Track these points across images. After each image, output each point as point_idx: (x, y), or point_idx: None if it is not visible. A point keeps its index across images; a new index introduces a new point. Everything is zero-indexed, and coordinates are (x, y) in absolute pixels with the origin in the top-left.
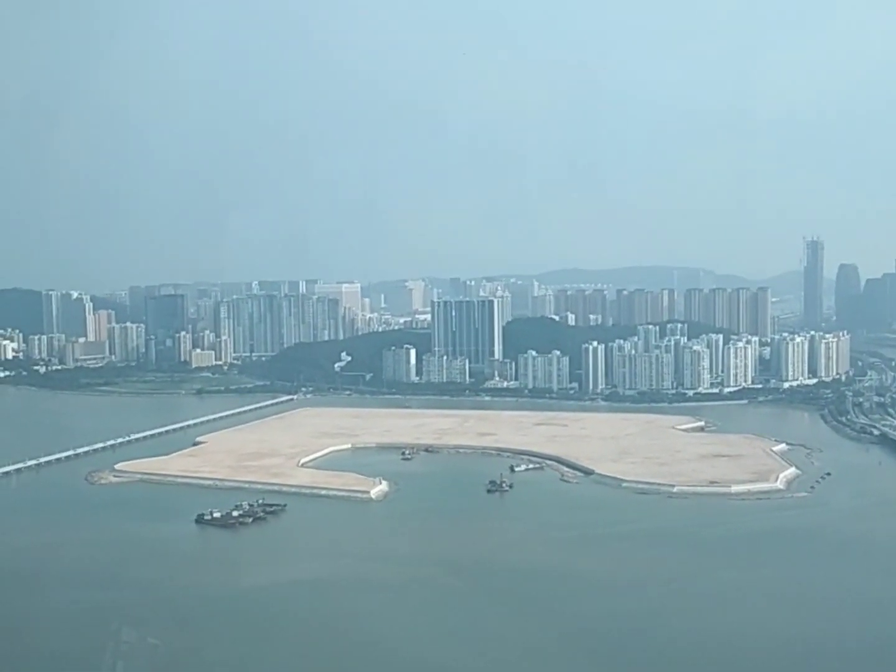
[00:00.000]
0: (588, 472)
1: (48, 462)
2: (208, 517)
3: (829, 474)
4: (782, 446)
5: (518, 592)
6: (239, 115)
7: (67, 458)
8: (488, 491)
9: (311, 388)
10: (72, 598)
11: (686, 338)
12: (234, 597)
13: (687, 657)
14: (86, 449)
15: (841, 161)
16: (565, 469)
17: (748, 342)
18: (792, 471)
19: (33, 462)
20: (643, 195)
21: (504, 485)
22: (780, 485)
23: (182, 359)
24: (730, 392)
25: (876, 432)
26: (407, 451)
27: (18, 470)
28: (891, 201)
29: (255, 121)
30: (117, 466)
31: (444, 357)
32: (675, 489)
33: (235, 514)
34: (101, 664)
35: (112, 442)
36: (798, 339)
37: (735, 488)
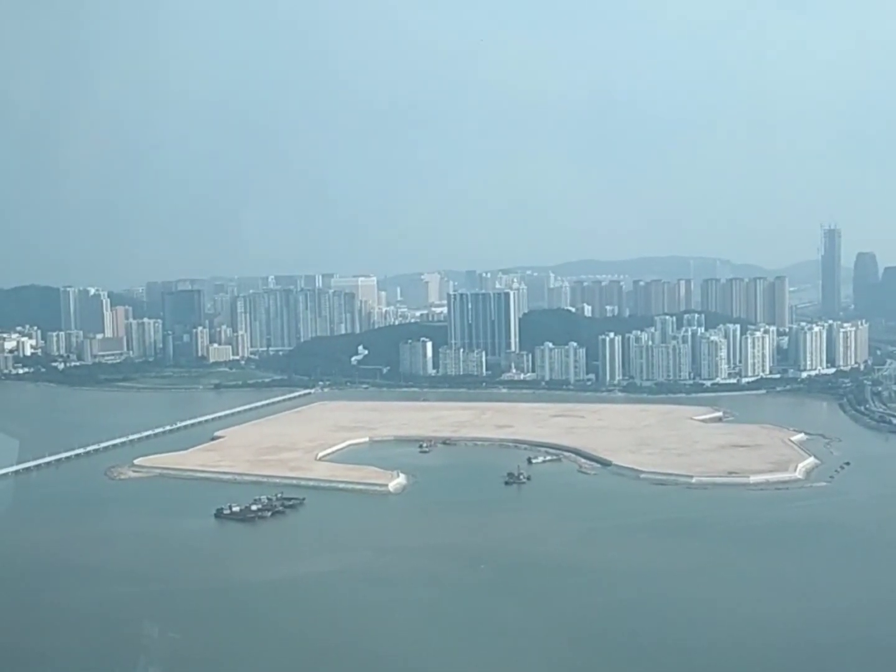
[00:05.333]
0: (606, 464)
1: (67, 458)
2: (227, 511)
3: (848, 464)
4: (801, 436)
5: (535, 585)
6: (254, 109)
7: (87, 453)
8: (506, 483)
9: (328, 382)
10: (92, 593)
11: (703, 328)
12: (254, 590)
13: (703, 647)
14: (105, 444)
15: (858, 149)
16: (583, 461)
17: (766, 332)
18: (811, 460)
19: (53, 458)
20: (659, 185)
21: (522, 477)
22: (798, 475)
23: (199, 354)
24: (748, 382)
25: (895, 421)
26: (424, 444)
27: (38, 466)
28: None
29: (270, 115)
30: (136, 461)
31: (461, 350)
32: (693, 480)
33: (254, 508)
34: (123, 658)
35: (131, 437)
36: (816, 329)
37: (754, 478)
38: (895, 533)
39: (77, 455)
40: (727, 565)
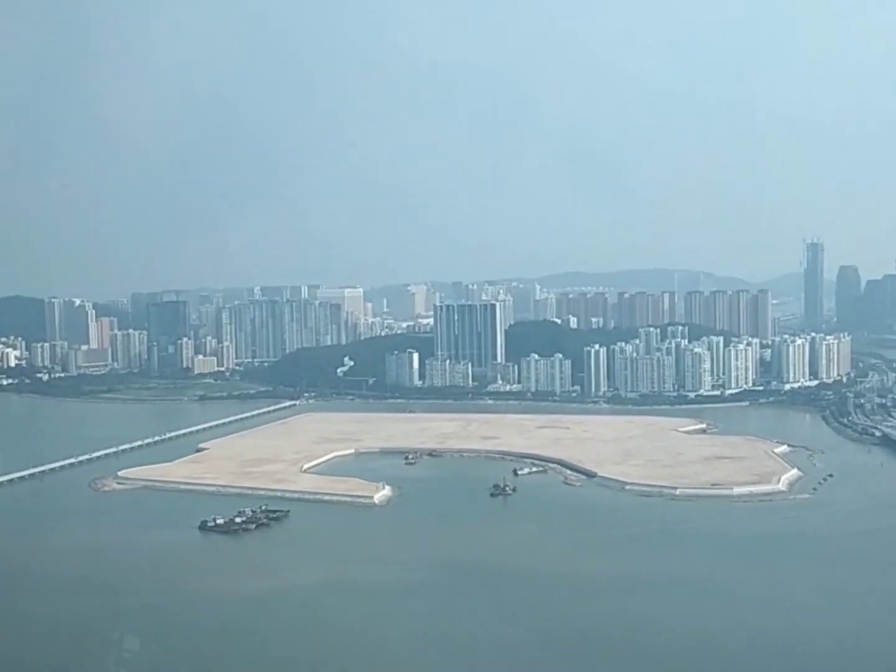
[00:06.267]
0: (591, 475)
1: (52, 469)
2: (211, 524)
3: (831, 476)
4: (784, 448)
5: (521, 596)
6: (238, 119)
7: (71, 465)
8: (492, 495)
9: (313, 394)
10: (74, 605)
11: (687, 340)
12: (237, 602)
13: (683, 657)
14: (89, 456)
15: (841, 162)
16: (568, 472)
17: (749, 344)
18: (794, 472)
19: (37, 470)
20: (643, 198)
21: (507, 488)
22: (782, 486)
23: (184, 365)
24: (731, 394)
25: (878, 433)
26: (410, 456)
27: (22, 478)
28: (890, 202)
29: (254, 125)
30: (121, 473)
31: (447, 361)
32: (677, 492)
33: (238, 520)
34: (102, 670)
35: (115, 449)
36: (799, 341)
37: (737, 490)
38: (878, 545)
39: (61, 467)
40: (710, 577)
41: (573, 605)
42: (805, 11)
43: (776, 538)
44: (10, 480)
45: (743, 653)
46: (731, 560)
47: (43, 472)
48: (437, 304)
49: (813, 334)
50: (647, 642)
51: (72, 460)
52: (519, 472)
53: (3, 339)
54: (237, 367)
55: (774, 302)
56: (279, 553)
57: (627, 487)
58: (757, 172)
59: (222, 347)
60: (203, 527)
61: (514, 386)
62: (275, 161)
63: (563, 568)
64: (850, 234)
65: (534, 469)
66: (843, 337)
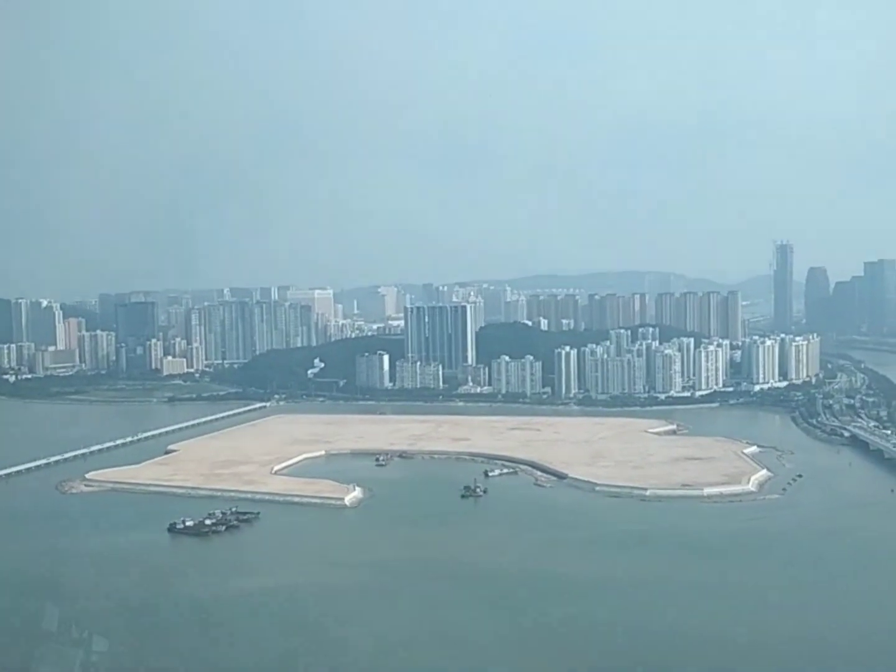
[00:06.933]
0: (562, 477)
1: (17, 472)
2: (181, 526)
3: (800, 476)
4: (754, 449)
5: (490, 596)
6: (208, 120)
7: (38, 467)
8: (462, 496)
9: (284, 395)
10: (39, 607)
11: (658, 342)
12: (207, 605)
13: (648, 655)
14: (56, 458)
15: (810, 164)
16: (539, 473)
17: (719, 345)
18: (763, 473)
19: (2, 472)
20: (614, 201)
21: (478, 490)
22: (751, 487)
23: (153, 366)
24: (701, 395)
25: (846, 434)
26: (381, 458)
27: None
28: (859, 204)
29: (224, 126)
30: (88, 475)
31: (418, 363)
32: (647, 492)
33: (208, 522)
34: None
35: (83, 451)
36: (768, 342)
37: (707, 491)
38: (845, 544)
39: (28, 469)
40: (678, 576)
41: (538, 603)
42: (772, 16)
43: (745, 538)
44: None
45: (702, 649)
46: (698, 560)
47: (9, 474)
48: (408, 305)
49: (782, 335)
50: (606, 639)
51: (38, 462)
52: (490, 474)
53: None
54: (207, 369)
55: (744, 303)
56: (249, 555)
57: (598, 488)
58: (727, 175)
59: (192, 349)
60: (172, 529)
61: (485, 388)
62: (244, 162)
63: (533, 568)
64: (820, 236)
65: (504, 470)
66: (812, 338)
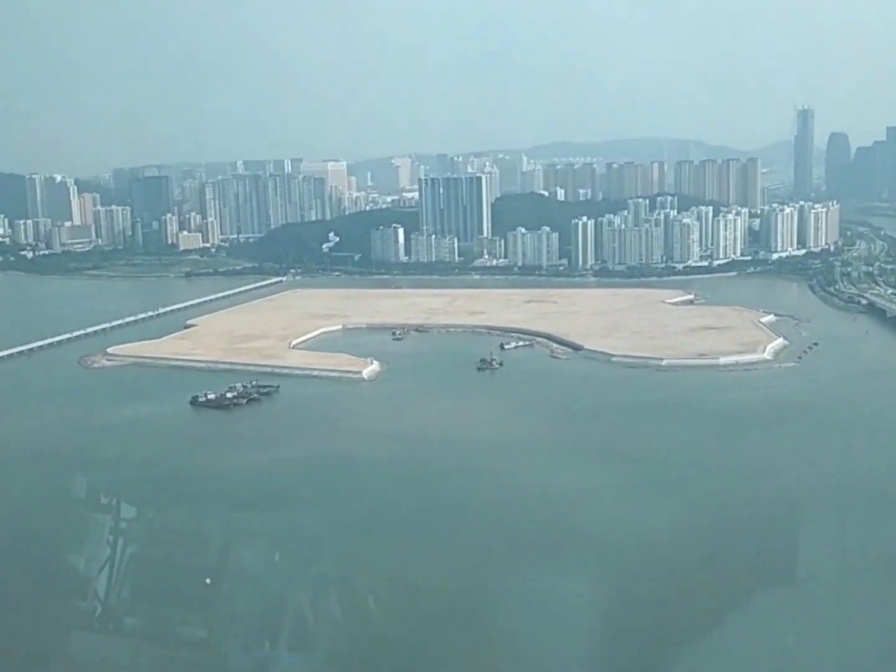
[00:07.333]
0: (577, 348)
1: (40, 347)
2: (203, 399)
3: (816, 344)
4: (770, 317)
5: (501, 466)
6: None
7: (59, 342)
8: (478, 369)
9: (299, 270)
10: (65, 479)
11: (676, 211)
12: (231, 474)
13: (659, 524)
14: (77, 333)
15: (832, 28)
16: (555, 346)
17: (738, 214)
18: (780, 341)
19: (25, 347)
20: (631, 65)
21: (494, 363)
22: (767, 355)
23: (169, 241)
24: (719, 265)
25: (864, 302)
26: (397, 331)
27: (10, 355)
28: (882, 68)
29: None
30: (110, 350)
31: (433, 236)
32: (663, 363)
33: (229, 395)
34: (97, 540)
35: (103, 326)
36: (787, 210)
37: (723, 360)
38: (859, 411)
39: (49, 344)
40: (691, 445)
41: (555, 473)
42: None
43: (760, 406)
44: None
45: (712, 518)
46: (712, 428)
47: (31, 349)
48: (422, 177)
49: (802, 203)
50: (624, 509)
51: (60, 337)
52: (505, 347)
53: None
54: (222, 244)
55: (764, 171)
56: (272, 427)
57: (614, 360)
58: (748, 39)
59: (207, 223)
60: (194, 402)
61: (501, 260)
62: (255, 32)
63: (548, 439)
64: (841, 101)
65: (520, 343)
66: (832, 205)
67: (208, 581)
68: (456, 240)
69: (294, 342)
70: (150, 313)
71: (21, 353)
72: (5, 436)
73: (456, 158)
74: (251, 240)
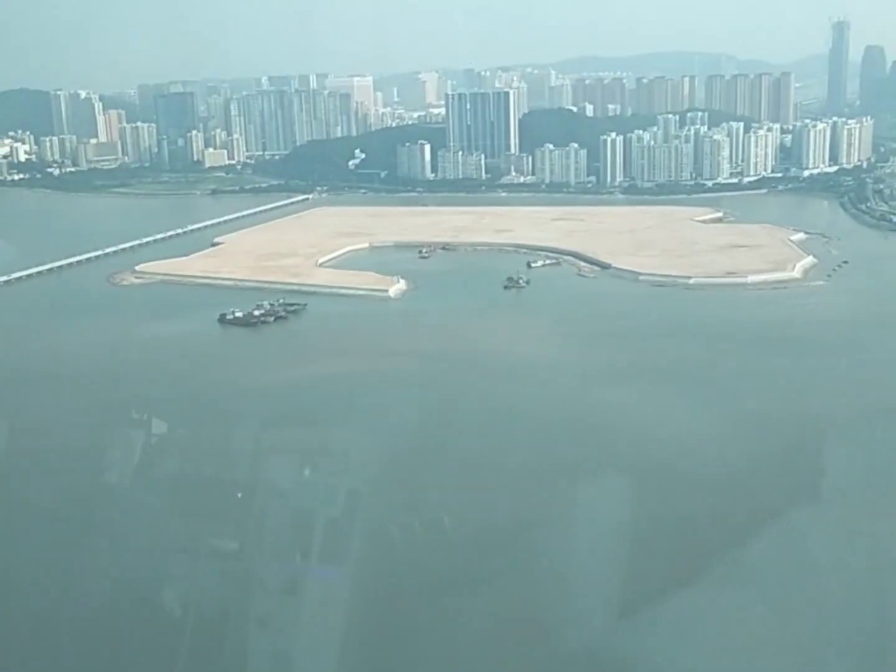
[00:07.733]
0: (605, 267)
1: (69, 264)
2: (230, 317)
3: (846, 262)
4: (800, 235)
5: (523, 390)
6: None
7: (87, 260)
8: (505, 287)
9: (325, 187)
10: (100, 395)
11: (706, 127)
12: (262, 389)
13: (678, 437)
14: (105, 251)
15: None
16: (582, 264)
17: (769, 130)
18: (809, 259)
19: (54, 265)
20: None
21: (521, 281)
22: (796, 274)
23: (195, 158)
24: (749, 182)
25: (895, 219)
26: (424, 250)
27: (39, 273)
28: None
29: None
30: (138, 268)
31: (460, 153)
32: (691, 281)
33: (257, 313)
34: (129, 453)
35: (131, 243)
36: (820, 126)
37: (752, 278)
38: (888, 330)
39: (78, 262)
40: (718, 363)
41: (578, 393)
42: None
43: (788, 324)
44: (29, 275)
45: (730, 433)
46: (739, 347)
47: (60, 266)
48: (449, 92)
49: (834, 119)
50: (643, 426)
51: (88, 255)
52: (532, 265)
53: (11, 134)
54: (248, 161)
55: (797, 85)
56: (300, 345)
57: (641, 278)
58: None
59: (232, 140)
60: (222, 319)
61: (528, 177)
62: None
63: (572, 358)
64: (878, 12)
65: (547, 261)
66: (866, 121)
67: (240, 495)
68: (483, 156)
69: (321, 260)
70: (178, 231)
71: (50, 270)
72: (37, 353)
73: (483, 73)
74: (276, 157)
